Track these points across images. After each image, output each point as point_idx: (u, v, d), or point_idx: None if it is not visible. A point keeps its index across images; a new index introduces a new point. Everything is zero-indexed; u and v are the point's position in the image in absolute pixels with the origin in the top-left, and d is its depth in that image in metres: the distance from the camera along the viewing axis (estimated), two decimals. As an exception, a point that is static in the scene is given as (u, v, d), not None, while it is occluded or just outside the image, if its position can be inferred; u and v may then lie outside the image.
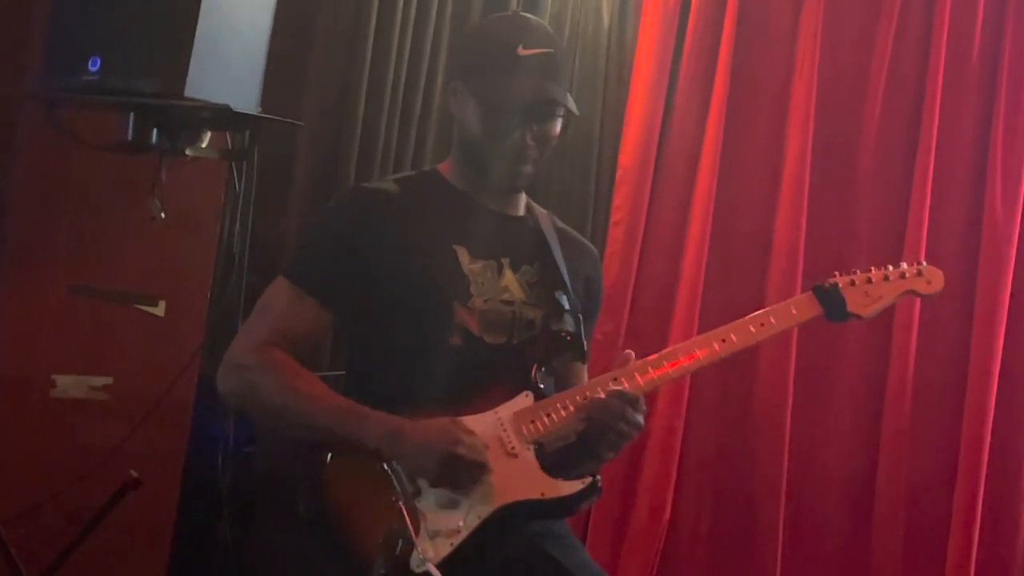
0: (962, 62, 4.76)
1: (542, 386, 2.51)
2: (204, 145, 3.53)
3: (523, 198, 2.73)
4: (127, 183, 3.54)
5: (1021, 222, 4.71)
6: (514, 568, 2.49)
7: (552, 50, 2.59)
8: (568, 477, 2.45)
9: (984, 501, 4.66)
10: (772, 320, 2.56)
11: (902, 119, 4.79)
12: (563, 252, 2.70)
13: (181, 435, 3.73)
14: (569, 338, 2.61)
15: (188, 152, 3.48)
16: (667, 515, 4.70)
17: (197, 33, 3.16)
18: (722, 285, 4.77)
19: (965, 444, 4.69)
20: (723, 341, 2.53)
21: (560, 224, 2.81)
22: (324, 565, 2.46)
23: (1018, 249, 4.71)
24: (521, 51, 2.54)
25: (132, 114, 3.37)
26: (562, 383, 2.62)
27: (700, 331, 4.64)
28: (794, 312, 2.58)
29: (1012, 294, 4.70)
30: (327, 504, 2.47)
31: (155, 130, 3.39)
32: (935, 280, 2.62)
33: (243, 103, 3.37)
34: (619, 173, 4.73)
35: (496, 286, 2.58)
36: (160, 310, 3.63)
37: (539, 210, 2.77)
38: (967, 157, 4.78)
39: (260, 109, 3.47)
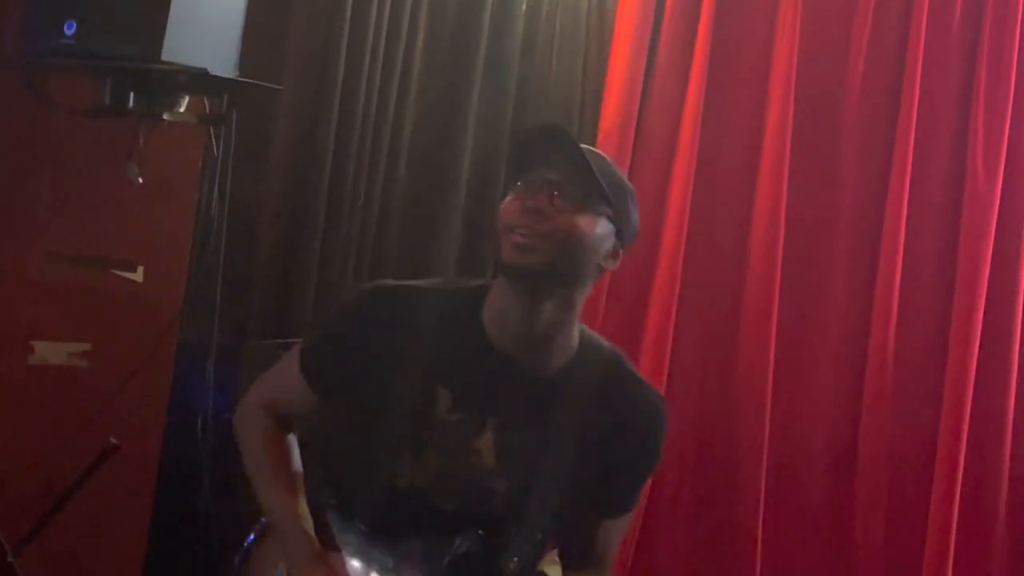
0: (944, 26, 4.75)
1: None
2: (182, 110, 3.51)
3: (563, 349, 2.41)
4: (104, 148, 3.52)
5: (1002, 186, 4.71)
6: None
7: (554, 126, 2.40)
8: None
9: (965, 465, 4.67)
10: None
11: (884, 81, 4.77)
12: (597, 417, 2.43)
13: (160, 401, 3.72)
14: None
15: (166, 117, 3.47)
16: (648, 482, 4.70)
17: (174, -4, 3.15)
18: (704, 247, 4.77)
19: (947, 408, 4.70)
20: None
21: (621, 377, 2.51)
22: None
23: (999, 213, 4.71)
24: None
25: (109, 79, 3.35)
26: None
27: (680, 295, 4.68)
28: None
29: (993, 258, 4.70)
30: None
31: (132, 94, 3.38)
32: None
33: (221, 67, 3.35)
34: (600, 136, 4.71)
35: (466, 445, 2.40)
36: (138, 276, 3.62)
37: (595, 359, 2.47)
38: (949, 121, 4.77)
39: (238, 73, 3.45)
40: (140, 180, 3.48)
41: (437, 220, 4.49)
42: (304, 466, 2.56)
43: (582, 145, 2.34)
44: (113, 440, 3.28)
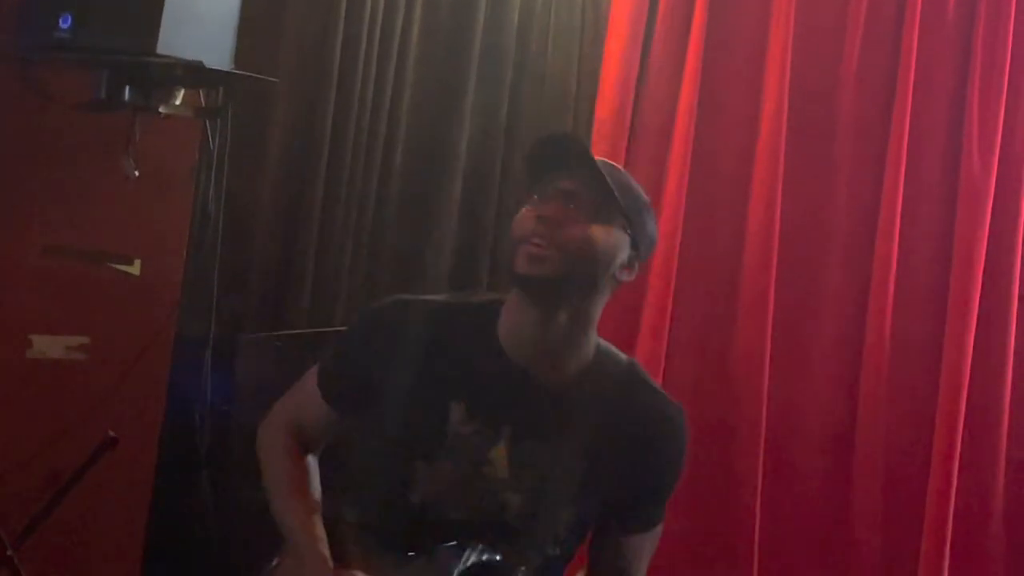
0: (938, 15, 4.75)
1: None
2: (178, 103, 3.52)
3: (577, 360, 2.36)
4: (100, 142, 3.53)
5: (997, 173, 4.72)
6: None
7: (566, 135, 2.43)
8: None
9: (962, 450, 4.68)
10: None
11: (879, 73, 4.78)
12: (611, 429, 2.37)
13: (158, 394, 3.72)
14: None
15: (162, 110, 3.47)
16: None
17: (169, -11, 3.15)
18: (700, 235, 4.77)
19: (943, 393, 4.71)
20: None
21: (636, 389, 2.44)
22: None
23: (994, 200, 4.71)
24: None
25: (104, 72, 3.36)
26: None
27: (677, 289, 4.68)
28: None
29: (989, 245, 4.71)
30: None
31: (128, 88, 3.39)
32: None
33: (216, 60, 3.36)
34: (595, 126, 4.70)
35: (480, 457, 2.35)
36: (136, 269, 3.62)
37: (611, 370, 2.41)
38: (944, 109, 4.78)
39: (234, 66, 3.45)
40: (136, 173, 3.49)
41: (433, 211, 4.49)
42: (322, 483, 2.55)
43: (597, 158, 2.31)
44: (111, 433, 3.29)
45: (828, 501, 4.87)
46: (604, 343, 2.43)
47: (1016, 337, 4.76)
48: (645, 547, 2.56)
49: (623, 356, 2.46)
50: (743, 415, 4.75)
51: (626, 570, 2.54)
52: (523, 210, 2.28)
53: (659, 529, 2.56)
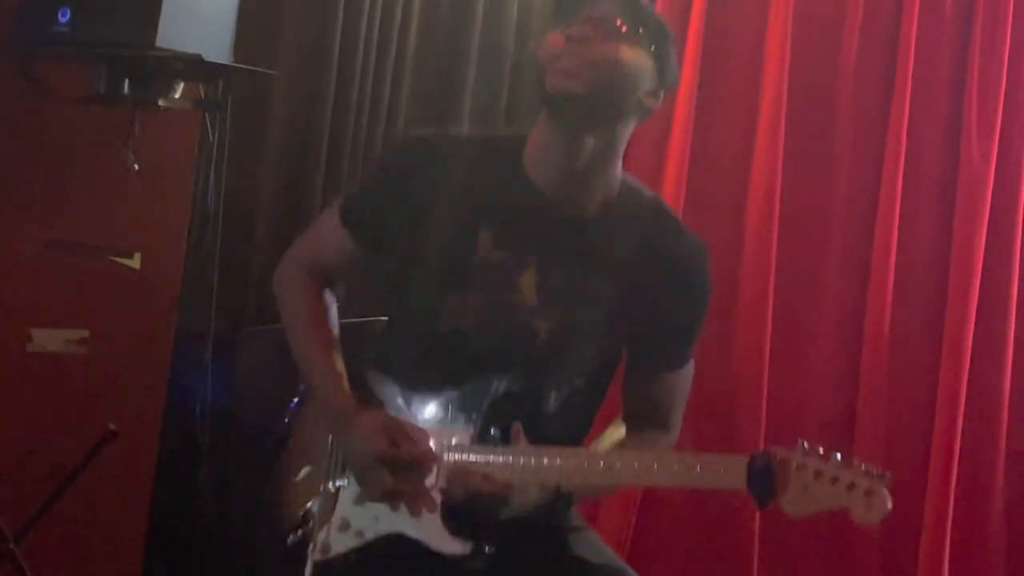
0: (937, 8, 4.75)
1: (492, 431, 2.34)
2: (177, 96, 3.52)
3: (603, 189, 2.39)
4: (100, 135, 3.54)
5: (996, 167, 4.71)
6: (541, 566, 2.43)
7: None
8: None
9: (962, 446, 4.67)
10: (697, 469, 2.21)
11: (878, 63, 4.76)
12: (638, 258, 2.40)
13: (159, 387, 3.73)
14: (545, 411, 2.42)
15: (161, 103, 3.48)
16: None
17: (167, -18, 3.16)
18: (699, 229, 4.69)
19: (943, 388, 4.70)
20: (647, 470, 2.24)
21: (662, 222, 2.48)
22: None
23: (994, 194, 4.71)
24: None
25: (104, 65, 3.36)
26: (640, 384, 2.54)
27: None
28: (721, 473, 2.23)
29: (988, 238, 4.70)
30: (284, 454, 2.55)
31: (127, 81, 3.39)
32: (876, 511, 2.19)
33: (215, 53, 3.37)
34: (594, 121, 4.69)
35: (508, 284, 2.38)
36: (136, 262, 3.62)
37: (636, 202, 2.44)
38: (943, 103, 4.76)
39: (233, 59, 3.46)
40: (136, 167, 3.49)
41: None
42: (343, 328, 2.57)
43: None
44: (112, 426, 3.30)
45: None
46: (629, 177, 2.45)
47: (1016, 331, 4.75)
48: (677, 387, 2.59)
49: (648, 190, 2.49)
50: (743, 412, 4.74)
51: (660, 409, 2.57)
52: (552, 33, 2.29)
53: (689, 369, 2.57)
